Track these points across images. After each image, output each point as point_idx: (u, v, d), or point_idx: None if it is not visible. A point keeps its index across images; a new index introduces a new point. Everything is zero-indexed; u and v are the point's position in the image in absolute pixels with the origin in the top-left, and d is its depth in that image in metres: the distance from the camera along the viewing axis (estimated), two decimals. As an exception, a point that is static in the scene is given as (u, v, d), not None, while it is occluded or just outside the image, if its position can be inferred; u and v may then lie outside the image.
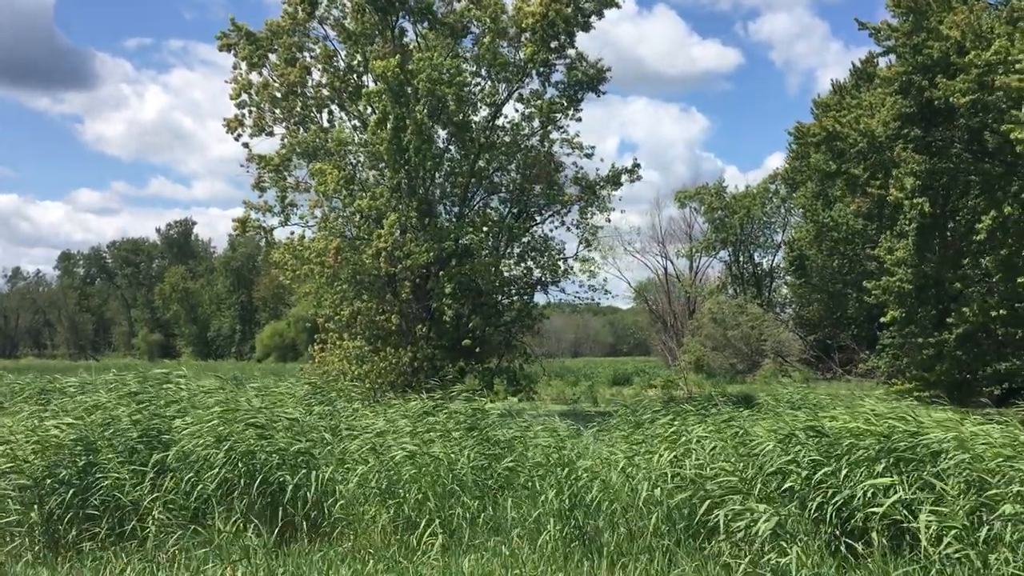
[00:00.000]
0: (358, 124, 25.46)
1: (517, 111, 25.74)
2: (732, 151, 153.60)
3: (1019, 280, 19.78)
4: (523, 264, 24.91)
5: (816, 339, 50.99)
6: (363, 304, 23.34)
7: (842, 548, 6.63)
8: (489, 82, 25.33)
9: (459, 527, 7.75)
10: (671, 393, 32.43)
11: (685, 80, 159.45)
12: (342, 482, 8.38)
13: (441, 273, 23.09)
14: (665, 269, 62.65)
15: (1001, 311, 22.46)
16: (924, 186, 23.03)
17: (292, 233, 25.17)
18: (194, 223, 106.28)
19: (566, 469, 8.01)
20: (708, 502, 6.82)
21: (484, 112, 25.45)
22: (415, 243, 22.70)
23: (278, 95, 25.30)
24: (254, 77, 25.52)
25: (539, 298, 26.54)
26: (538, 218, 26.04)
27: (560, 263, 25.41)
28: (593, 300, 26.11)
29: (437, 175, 24.79)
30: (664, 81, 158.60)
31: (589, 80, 25.55)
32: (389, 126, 22.37)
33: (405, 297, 23.34)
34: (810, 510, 6.94)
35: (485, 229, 25.00)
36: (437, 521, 7.71)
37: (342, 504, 7.78)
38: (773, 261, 58.56)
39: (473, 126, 25.16)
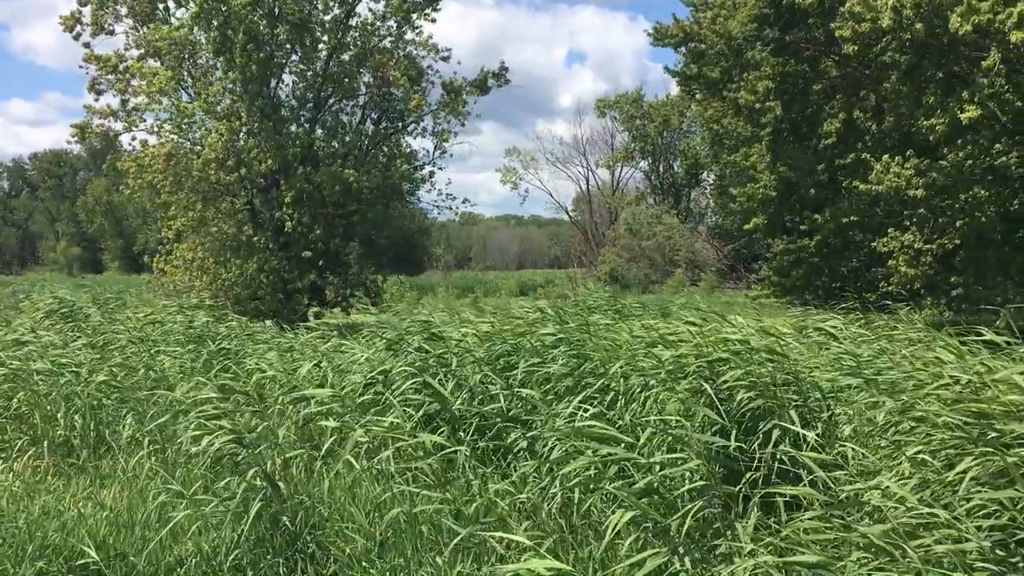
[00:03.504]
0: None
1: (371, 11, 24.40)
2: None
3: (854, 184, 19.52)
4: (377, 172, 23.97)
5: (734, 249, 51.23)
6: (200, 213, 22.38)
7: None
8: (340, -23, 23.84)
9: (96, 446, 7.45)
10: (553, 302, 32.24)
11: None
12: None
13: (283, 182, 22.18)
14: (587, 180, 62.12)
15: (852, 217, 22.23)
16: (780, 90, 22.45)
17: (134, 139, 23.94)
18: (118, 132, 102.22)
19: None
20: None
21: (336, 11, 24.04)
22: (257, 150, 21.68)
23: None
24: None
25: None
26: (399, 124, 25.02)
27: (416, 171, 24.62)
28: (451, 211, 25.41)
29: (284, 77, 23.57)
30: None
31: (446, -24, 24.24)
32: (215, 23, 21.04)
33: (240, 207, 22.46)
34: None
35: (338, 136, 23.97)
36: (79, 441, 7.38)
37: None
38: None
39: (325, 25, 23.79)
